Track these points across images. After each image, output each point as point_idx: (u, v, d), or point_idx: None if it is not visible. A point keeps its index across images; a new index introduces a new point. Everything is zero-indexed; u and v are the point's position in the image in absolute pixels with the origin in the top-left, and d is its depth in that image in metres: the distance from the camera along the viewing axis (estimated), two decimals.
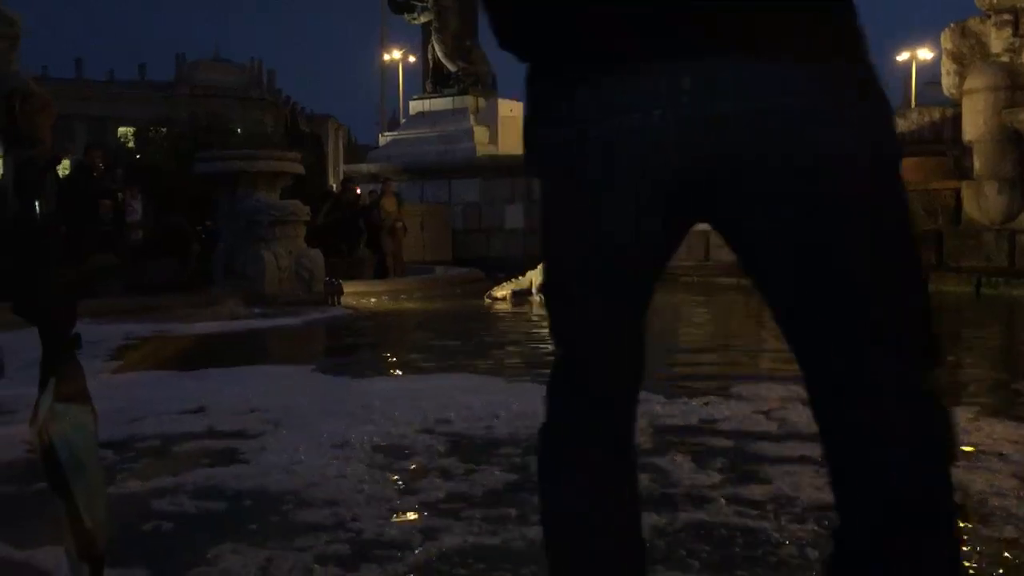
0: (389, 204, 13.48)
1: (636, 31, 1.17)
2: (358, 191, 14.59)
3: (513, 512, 2.69)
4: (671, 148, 1.18)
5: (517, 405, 4.18)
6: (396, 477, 3.14)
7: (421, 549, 2.42)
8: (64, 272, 1.57)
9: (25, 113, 1.56)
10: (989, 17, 12.14)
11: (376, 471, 3.18)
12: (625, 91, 1.19)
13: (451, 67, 18.58)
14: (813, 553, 2.33)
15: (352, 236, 12.75)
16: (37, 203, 1.51)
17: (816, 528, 2.51)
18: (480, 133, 17.96)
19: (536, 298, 10.73)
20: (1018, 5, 11.72)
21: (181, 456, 3.48)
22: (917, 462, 1.19)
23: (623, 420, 1.38)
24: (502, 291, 10.79)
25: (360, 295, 10.77)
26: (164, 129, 15.93)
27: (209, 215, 11.30)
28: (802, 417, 3.93)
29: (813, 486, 2.88)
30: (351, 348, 7.50)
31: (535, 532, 2.52)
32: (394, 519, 2.67)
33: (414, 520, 2.66)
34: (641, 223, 1.24)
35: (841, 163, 1.17)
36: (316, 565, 2.31)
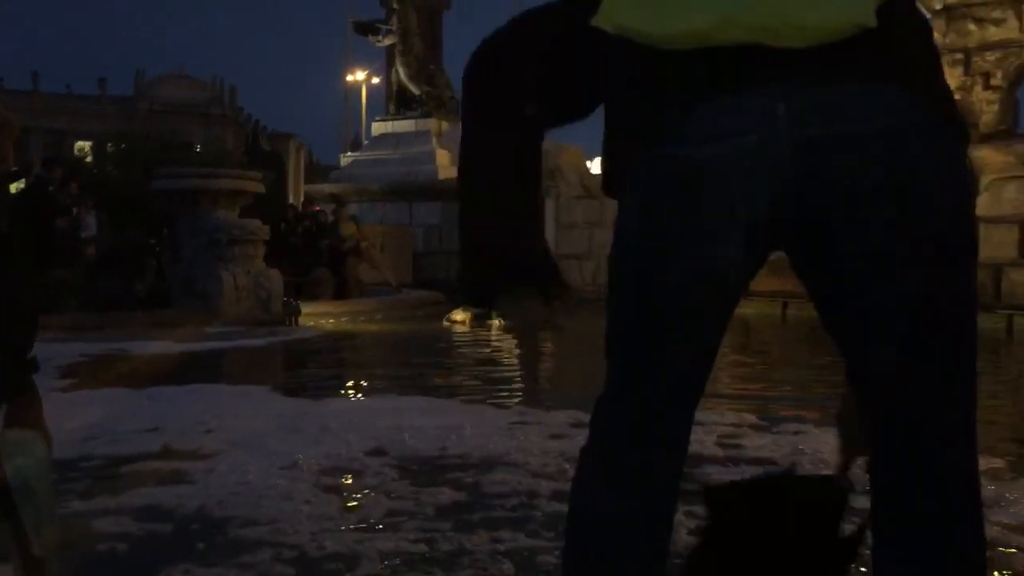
0: (347, 228, 13.42)
1: (732, 58, 1.16)
2: (319, 209, 14.51)
3: (449, 528, 2.73)
4: (764, 174, 1.18)
5: (470, 428, 4.19)
6: (342, 497, 3.13)
7: (360, 565, 2.45)
8: (25, 290, 1.53)
9: None
10: (942, 56, 12.46)
11: (322, 492, 3.17)
12: (720, 117, 1.18)
13: (415, 90, 18.61)
14: None
15: (312, 257, 12.68)
16: None
17: None
18: (442, 156, 17.97)
19: (496, 322, 10.73)
20: (969, 45, 12.04)
21: (132, 476, 3.44)
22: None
23: (682, 442, 1.35)
24: (461, 314, 10.78)
25: (319, 316, 10.72)
26: (123, 145, 15.74)
27: (163, 232, 11.17)
28: (754, 442, 3.98)
29: None
30: (308, 369, 7.46)
31: (474, 543, 2.59)
32: (335, 538, 2.68)
33: (355, 538, 2.67)
34: (727, 249, 1.22)
35: (936, 189, 1.18)
36: None
